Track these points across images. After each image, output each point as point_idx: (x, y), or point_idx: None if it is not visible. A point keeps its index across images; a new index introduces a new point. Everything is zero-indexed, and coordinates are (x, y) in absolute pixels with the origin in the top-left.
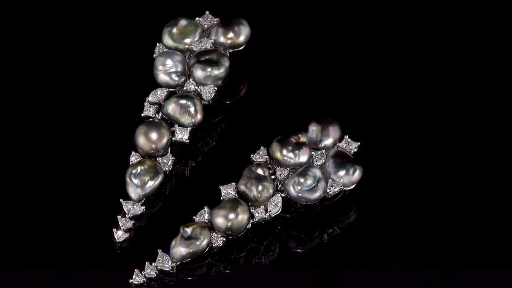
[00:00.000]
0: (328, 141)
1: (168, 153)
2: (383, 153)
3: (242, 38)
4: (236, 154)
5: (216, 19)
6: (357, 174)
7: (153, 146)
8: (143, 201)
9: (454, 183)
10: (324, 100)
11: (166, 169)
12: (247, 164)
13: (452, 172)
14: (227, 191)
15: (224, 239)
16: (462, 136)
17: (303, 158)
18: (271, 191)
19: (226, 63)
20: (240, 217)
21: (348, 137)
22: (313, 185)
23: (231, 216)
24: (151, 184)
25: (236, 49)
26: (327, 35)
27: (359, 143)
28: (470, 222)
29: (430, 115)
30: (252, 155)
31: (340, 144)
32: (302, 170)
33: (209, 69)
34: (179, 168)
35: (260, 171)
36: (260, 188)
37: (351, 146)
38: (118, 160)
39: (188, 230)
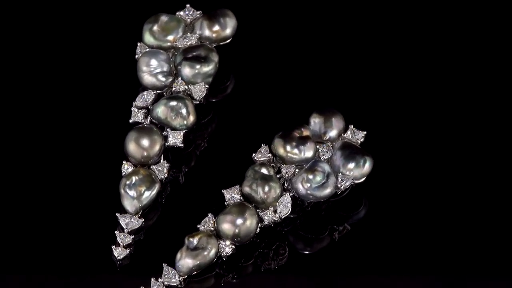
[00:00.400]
0: (333, 133)
1: (162, 160)
2: (386, 142)
3: (228, 31)
4: (231, 156)
5: (198, 12)
6: (367, 166)
7: (146, 153)
8: (140, 213)
9: (467, 171)
10: (316, 93)
11: (162, 177)
12: (245, 165)
13: (462, 161)
14: (231, 195)
15: (233, 246)
16: (472, 122)
17: (309, 153)
18: (278, 191)
19: (215, 58)
20: (249, 222)
21: (353, 127)
22: (323, 181)
23: (239, 221)
24: (148, 194)
25: (222, 43)
26: (316, 24)
27: (365, 132)
28: (487, 216)
29: (430, 100)
30: (254, 154)
31: (345, 135)
32: (310, 166)
33: (197, 66)
34: (172, 175)
35: (264, 170)
36: (266, 188)
37: (357, 135)
38: (108, 171)
39: (194, 240)
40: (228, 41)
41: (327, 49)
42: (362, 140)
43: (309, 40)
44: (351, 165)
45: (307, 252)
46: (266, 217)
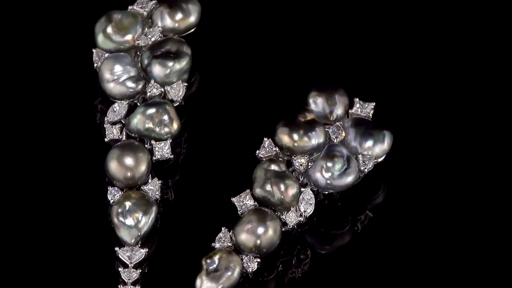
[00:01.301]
0: (339, 110)
1: (150, 178)
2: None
3: (193, 18)
4: (219, 159)
5: (153, 2)
6: (388, 140)
7: (132, 174)
8: (140, 242)
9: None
10: (293, 80)
11: (157, 197)
12: (235, 168)
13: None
14: (243, 202)
15: (258, 260)
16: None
17: (320, 138)
18: (296, 187)
19: (187, 51)
20: (271, 229)
21: (359, 99)
22: (345, 166)
23: (260, 230)
24: (147, 220)
25: (188, 33)
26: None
27: (374, 103)
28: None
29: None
30: (257, 151)
31: (353, 111)
32: (326, 152)
33: (169, 64)
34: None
35: (275, 167)
36: (282, 187)
37: (366, 108)
38: (90, 203)
39: (214, 260)
40: (193, 30)
41: (297, 30)
42: (372, 112)
43: (279, 22)
44: (370, 143)
45: (330, 251)
46: (289, 220)
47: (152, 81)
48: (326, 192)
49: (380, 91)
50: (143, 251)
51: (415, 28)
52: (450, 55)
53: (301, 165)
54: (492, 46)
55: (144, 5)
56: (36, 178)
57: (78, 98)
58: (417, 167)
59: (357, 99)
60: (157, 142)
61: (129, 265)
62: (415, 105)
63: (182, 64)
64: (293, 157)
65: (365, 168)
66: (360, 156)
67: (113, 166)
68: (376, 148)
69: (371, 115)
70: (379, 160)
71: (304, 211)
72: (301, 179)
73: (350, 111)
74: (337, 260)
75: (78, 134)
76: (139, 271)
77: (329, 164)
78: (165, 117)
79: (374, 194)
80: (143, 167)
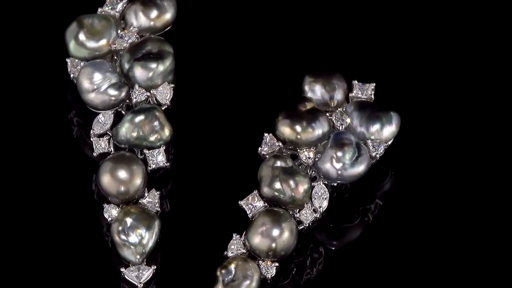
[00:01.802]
0: (339, 95)
1: (146, 190)
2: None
3: (169, 14)
4: (212, 163)
5: (123, 1)
6: (396, 121)
7: (128, 187)
8: (145, 260)
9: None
10: (278, 72)
11: (157, 209)
12: (234, 170)
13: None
14: (252, 204)
15: (276, 264)
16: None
17: (324, 127)
18: (307, 182)
19: (169, 49)
20: (287, 229)
21: (357, 81)
22: (356, 154)
23: (275, 232)
24: (150, 235)
25: (166, 30)
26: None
27: (374, 84)
28: None
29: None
30: (259, 149)
31: (353, 94)
32: (333, 141)
33: (153, 66)
34: None
35: (281, 163)
36: (292, 184)
37: (367, 90)
38: (80, 225)
39: (230, 270)
40: (169, 27)
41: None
42: (373, 93)
43: (259, 11)
44: (377, 126)
45: (342, 246)
46: (304, 217)
47: (136, 86)
48: (335, 184)
49: (373, 72)
50: (151, 269)
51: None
52: (444, 27)
53: (309, 158)
54: (488, 22)
55: (114, 5)
56: (16, 206)
57: (50, 113)
58: (423, 150)
59: (355, 82)
60: (150, 151)
61: (138, 285)
62: (410, 85)
63: (166, 64)
64: (298, 150)
65: (376, 153)
66: (369, 141)
67: (106, 181)
68: (385, 131)
69: (373, 96)
70: (389, 142)
71: (320, 207)
72: (309, 173)
73: (350, 94)
74: (352, 256)
75: (56, 152)
76: None
77: (339, 154)
78: (156, 123)
79: (381, 182)
80: (138, 180)
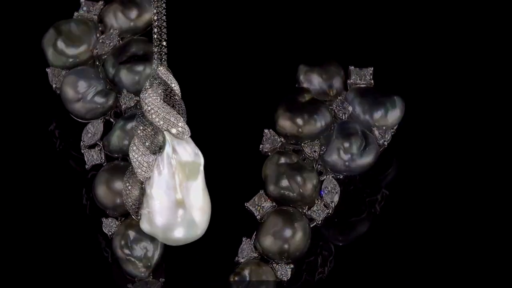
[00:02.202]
0: (337, 83)
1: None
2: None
3: (150, 13)
4: (211, 165)
5: (99, 3)
6: (400, 105)
7: (121, 200)
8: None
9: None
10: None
11: None
12: (234, 170)
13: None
14: (259, 205)
15: (291, 265)
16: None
17: (326, 118)
18: (314, 177)
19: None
20: (300, 229)
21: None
22: (363, 143)
23: (288, 232)
24: (155, 247)
25: (148, 30)
26: None
27: (372, 68)
28: None
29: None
30: (261, 146)
31: (351, 81)
32: (338, 132)
33: (139, 68)
34: None
35: (286, 159)
36: (300, 180)
37: (365, 75)
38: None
39: (244, 276)
40: (150, 27)
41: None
42: (371, 77)
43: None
44: (381, 112)
45: (350, 242)
46: (316, 214)
47: (125, 91)
48: (341, 177)
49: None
50: (159, 282)
51: None
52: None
53: (315, 151)
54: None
55: (91, 8)
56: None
57: (29, 127)
58: (426, 137)
59: (352, 67)
60: None
61: None
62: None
63: (152, 67)
64: (302, 144)
65: (384, 140)
66: (374, 128)
67: (102, 193)
68: (390, 117)
69: (372, 82)
70: (395, 127)
71: (331, 202)
72: (316, 167)
73: (348, 81)
74: (363, 250)
75: (41, 167)
76: None
77: (346, 144)
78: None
79: (385, 171)
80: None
